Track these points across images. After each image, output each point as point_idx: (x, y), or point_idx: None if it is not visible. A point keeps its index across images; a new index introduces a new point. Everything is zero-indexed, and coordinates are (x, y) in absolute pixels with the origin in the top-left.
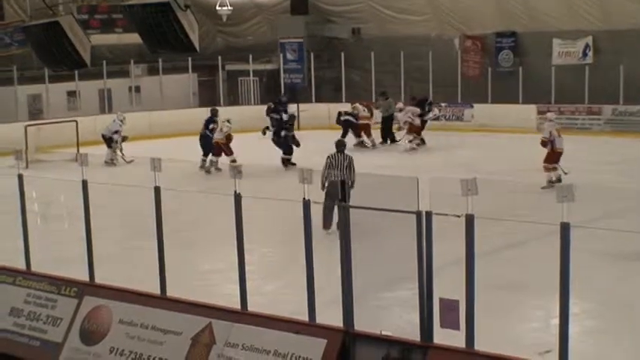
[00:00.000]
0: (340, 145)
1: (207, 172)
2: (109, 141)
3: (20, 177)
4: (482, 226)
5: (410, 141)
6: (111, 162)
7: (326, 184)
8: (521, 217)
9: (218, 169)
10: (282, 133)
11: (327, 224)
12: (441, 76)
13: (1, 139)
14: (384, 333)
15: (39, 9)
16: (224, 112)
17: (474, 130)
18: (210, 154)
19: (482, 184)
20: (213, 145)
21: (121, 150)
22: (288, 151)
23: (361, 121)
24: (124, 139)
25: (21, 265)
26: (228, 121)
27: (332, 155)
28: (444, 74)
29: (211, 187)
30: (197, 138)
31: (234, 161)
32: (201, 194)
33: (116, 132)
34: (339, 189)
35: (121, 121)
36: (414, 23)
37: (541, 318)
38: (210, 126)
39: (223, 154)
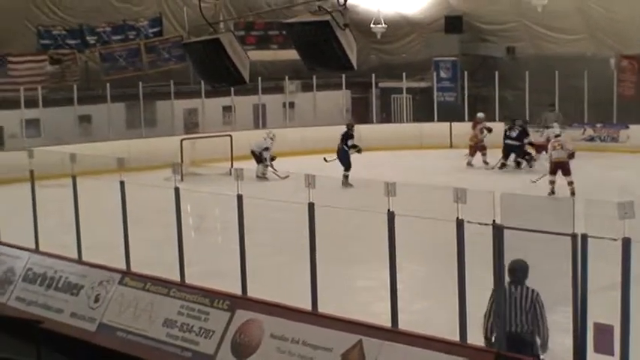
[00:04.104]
0: (517, 271)
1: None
2: (258, 157)
3: (177, 190)
4: (638, 250)
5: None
6: (263, 176)
7: (493, 337)
8: None
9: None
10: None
11: None
12: (595, 96)
13: (158, 152)
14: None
15: (197, 25)
16: (376, 129)
17: (629, 152)
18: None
19: (638, 206)
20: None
21: (272, 167)
22: None
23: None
24: (273, 158)
25: (175, 276)
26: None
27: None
28: (598, 94)
29: (363, 205)
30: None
31: None
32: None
33: (266, 149)
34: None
35: (271, 138)
36: (569, 42)
37: None
38: (349, 141)
39: None
